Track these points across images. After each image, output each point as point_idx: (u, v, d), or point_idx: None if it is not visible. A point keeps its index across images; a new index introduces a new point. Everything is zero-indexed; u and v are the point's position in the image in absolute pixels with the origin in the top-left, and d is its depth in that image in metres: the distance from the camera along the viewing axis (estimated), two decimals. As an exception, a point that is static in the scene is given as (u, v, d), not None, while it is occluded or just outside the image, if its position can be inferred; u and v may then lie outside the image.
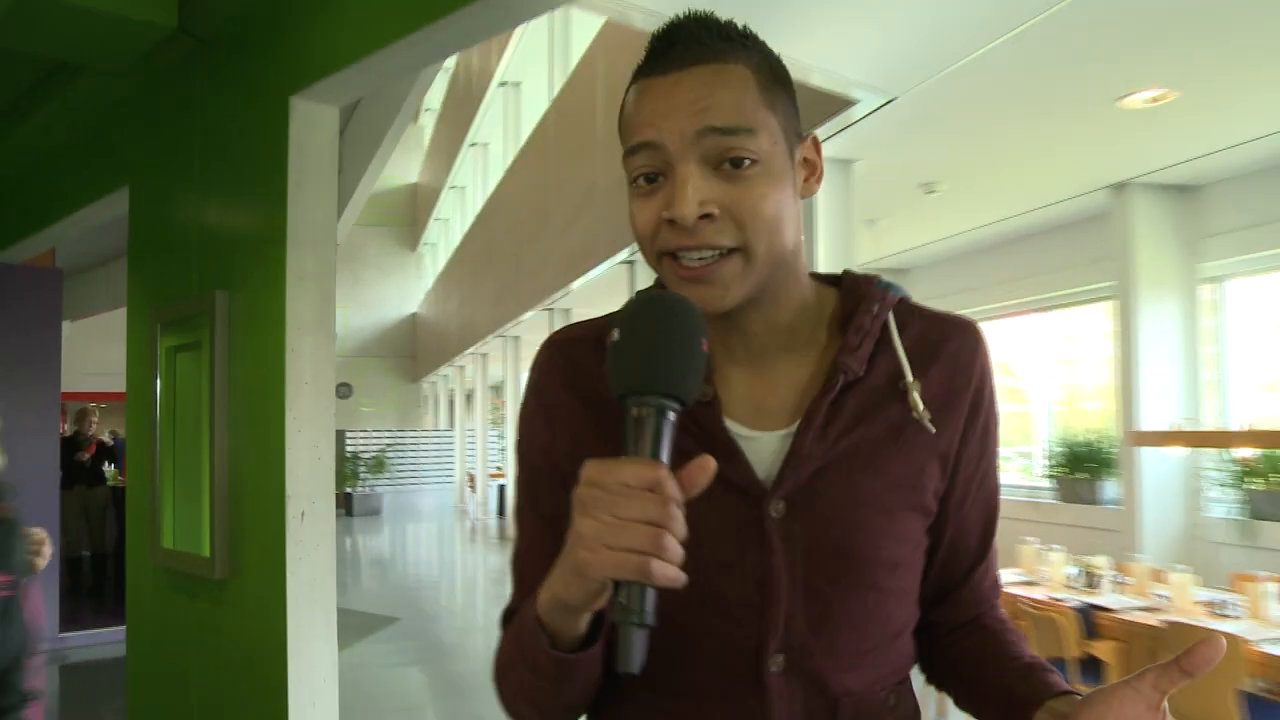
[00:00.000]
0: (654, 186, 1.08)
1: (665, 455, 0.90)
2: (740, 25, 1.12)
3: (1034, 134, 6.77)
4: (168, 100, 4.38)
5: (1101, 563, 6.55)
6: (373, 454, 25.13)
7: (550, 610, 1.00)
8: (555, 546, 1.03)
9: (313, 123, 3.60)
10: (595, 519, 0.87)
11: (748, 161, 1.05)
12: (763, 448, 1.16)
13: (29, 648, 2.01)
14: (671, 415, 0.92)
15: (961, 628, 1.31)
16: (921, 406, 1.16)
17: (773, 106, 1.10)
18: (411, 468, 26.66)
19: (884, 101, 5.62)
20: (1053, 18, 4.66)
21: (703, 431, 1.13)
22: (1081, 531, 8.84)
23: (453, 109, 23.19)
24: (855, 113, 5.67)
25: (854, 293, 1.23)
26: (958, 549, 1.26)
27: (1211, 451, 8.12)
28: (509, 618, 1.25)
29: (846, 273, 1.28)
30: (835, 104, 5.48)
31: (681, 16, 1.10)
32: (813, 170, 1.17)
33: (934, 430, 1.16)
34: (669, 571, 0.86)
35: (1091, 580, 6.31)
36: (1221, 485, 8.14)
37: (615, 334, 0.95)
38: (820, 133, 5.89)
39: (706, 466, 0.89)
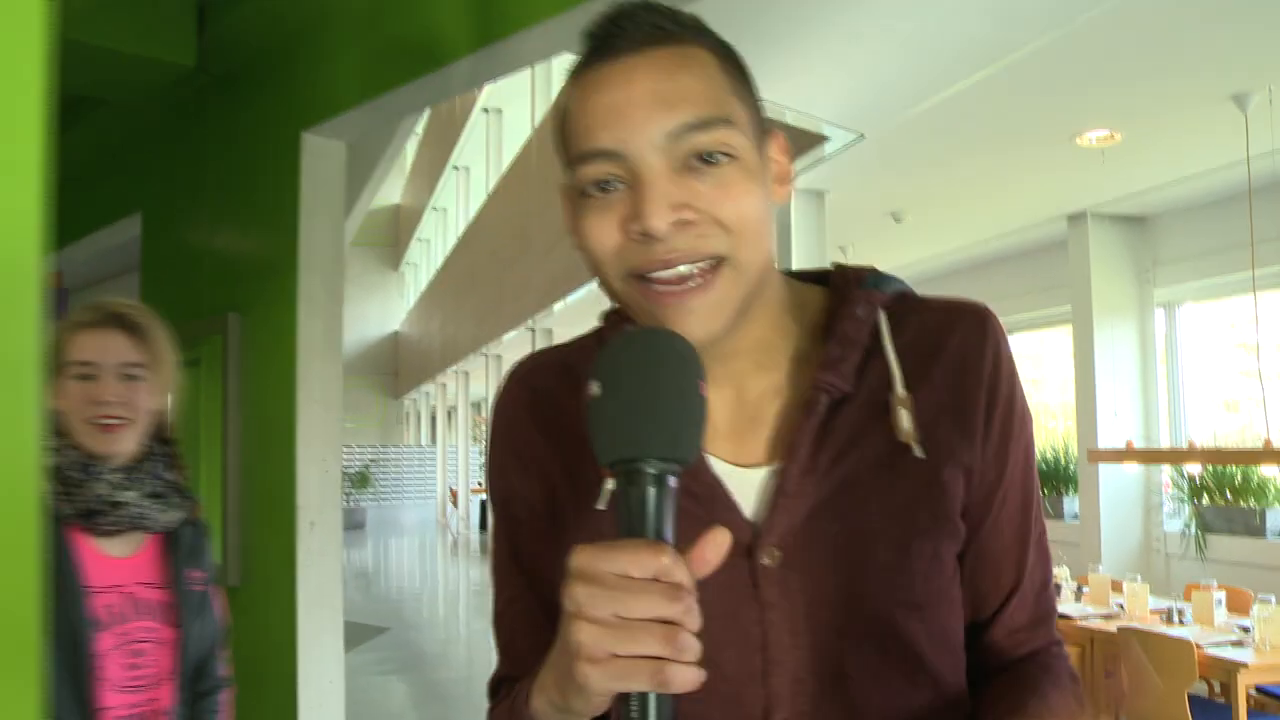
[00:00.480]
0: (609, 197, 0.90)
1: (669, 532, 0.75)
2: (688, 13, 0.96)
3: (995, 168, 7.13)
4: (183, 132, 4.61)
5: (1063, 574, 6.87)
6: (356, 469, 25.25)
7: (545, 716, 0.86)
8: (541, 603, 0.96)
9: (323, 157, 3.85)
10: (594, 623, 0.72)
11: (722, 156, 0.89)
12: (750, 487, 0.99)
13: (221, 638, 2.22)
14: (673, 481, 0.76)
15: (998, 674, 1.07)
16: (907, 426, 0.97)
17: (741, 95, 0.94)
18: (394, 483, 26.80)
19: (854, 139, 5.94)
20: (1010, 65, 5.01)
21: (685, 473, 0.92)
22: (1045, 545, 9.16)
23: (435, 132, 23.42)
24: (827, 148, 6.00)
25: (841, 294, 1.05)
26: (983, 578, 1.05)
27: (1167, 468, 8.49)
28: (497, 689, 1.08)
29: (836, 267, 1.09)
30: (808, 140, 5.80)
31: (622, 3, 0.94)
32: (782, 172, 1.00)
33: (923, 455, 0.97)
34: (688, 676, 0.72)
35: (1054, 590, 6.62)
36: (1176, 500, 8.52)
37: (595, 388, 0.78)
38: (794, 166, 6.24)
39: (719, 541, 0.74)
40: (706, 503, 0.97)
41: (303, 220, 3.77)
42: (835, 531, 0.96)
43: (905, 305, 1.05)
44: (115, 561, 2.05)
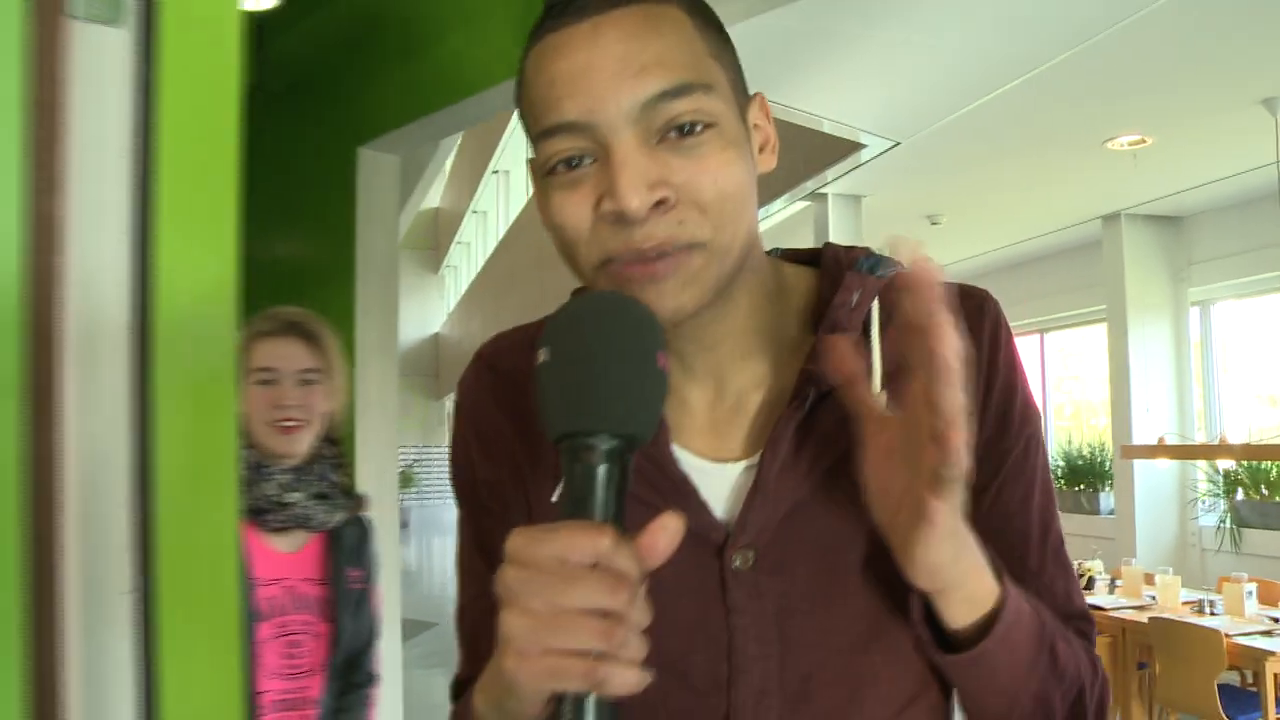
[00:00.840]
0: (578, 173, 0.81)
1: (618, 517, 0.69)
2: None
3: (1028, 172, 7.24)
4: (240, 146, 4.83)
5: (1097, 566, 6.99)
6: (399, 469, 25.40)
7: (485, 717, 0.78)
8: None
9: (377, 170, 4.03)
10: (525, 612, 0.65)
11: (700, 126, 0.80)
12: (723, 483, 0.91)
13: (375, 635, 2.35)
14: (625, 461, 0.70)
15: None
16: None
17: (719, 56, 0.85)
18: (437, 483, 26.99)
19: (890, 146, 6.07)
20: (1040, 74, 5.15)
21: (649, 465, 0.89)
22: (1081, 540, 9.25)
23: (475, 137, 23.51)
24: (863, 155, 6.13)
25: (832, 277, 0.96)
26: None
27: (1202, 464, 8.57)
28: (459, 690, 1.00)
29: (828, 247, 1.00)
30: (845, 147, 5.94)
31: None
32: (765, 139, 0.91)
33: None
34: (628, 677, 0.65)
35: (1087, 582, 6.76)
36: (1211, 496, 8.60)
37: (543, 354, 0.72)
38: (831, 172, 6.38)
39: (669, 526, 0.67)
40: (674, 500, 0.89)
41: (359, 231, 3.95)
42: (813, 534, 0.89)
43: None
44: (280, 556, 2.17)
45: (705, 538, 0.88)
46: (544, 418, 0.72)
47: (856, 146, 5.95)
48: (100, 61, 0.87)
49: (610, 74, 0.78)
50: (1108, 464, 9.70)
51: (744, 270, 0.87)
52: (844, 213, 7.47)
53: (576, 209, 0.81)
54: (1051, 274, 10.28)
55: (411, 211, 6.86)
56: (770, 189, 6.53)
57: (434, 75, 3.61)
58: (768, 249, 0.98)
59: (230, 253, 0.90)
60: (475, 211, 24.75)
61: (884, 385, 0.88)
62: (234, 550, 0.92)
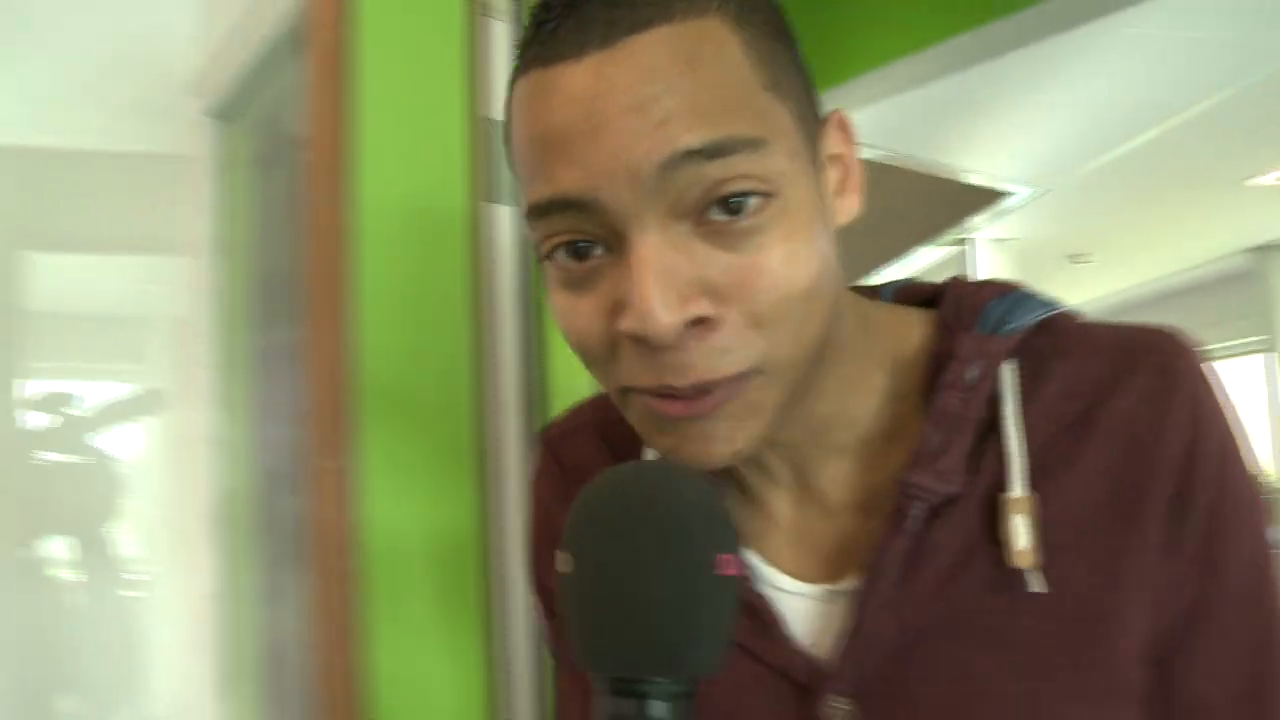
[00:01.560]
0: (585, 267, 0.59)
1: None
2: None
3: (1174, 210, 7.33)
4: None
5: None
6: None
7: None
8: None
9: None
10: None
11: (754, 199, 0.56)
12: (812, 610, 0.70)
13: None
14: (677, 701, 0.51)
15: None
16: (1024, 545, 0.63)
17: (777, 85, 0.59)
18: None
19: (1035, 193, 6.23)
20: (1181, 122, 5.31)
21: None
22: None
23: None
24: (1010, 204, 6.30)
25: (947, 341, 0.70)
26: None
27: (1374, 494, 8.39)
28: None
29: (952, 287, 0.75)
30: (991, 197, 6.10)
31: None
32: (845, 172, 0.66)
33: (1043, 588, 0.64)
34: None
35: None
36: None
37: (567, 562, 0.54)
38: (976, 220, 6.56)
39: None
40: (756, 631, 0.69)
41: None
42: (932, 685, 0.65)
43: (1052, 341, 0.69)
44: None
45: (788, 677, 0.69)
46: (575, 644, 0.54)
47: (1003, 195, 6.09)
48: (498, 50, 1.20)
49: (616, 127, 0.55)
50: (1273, 497, 9.53)
51: (824, 358, 0.64)
52: (989, 256, 7.59)
53: (587, 322, 0.60)
54: (1200, 306, 10.18)
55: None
56: (911, 238, 6.68)
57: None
58: (895, 280, 0.79)
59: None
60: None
61: (1033, 484, 0.65)
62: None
